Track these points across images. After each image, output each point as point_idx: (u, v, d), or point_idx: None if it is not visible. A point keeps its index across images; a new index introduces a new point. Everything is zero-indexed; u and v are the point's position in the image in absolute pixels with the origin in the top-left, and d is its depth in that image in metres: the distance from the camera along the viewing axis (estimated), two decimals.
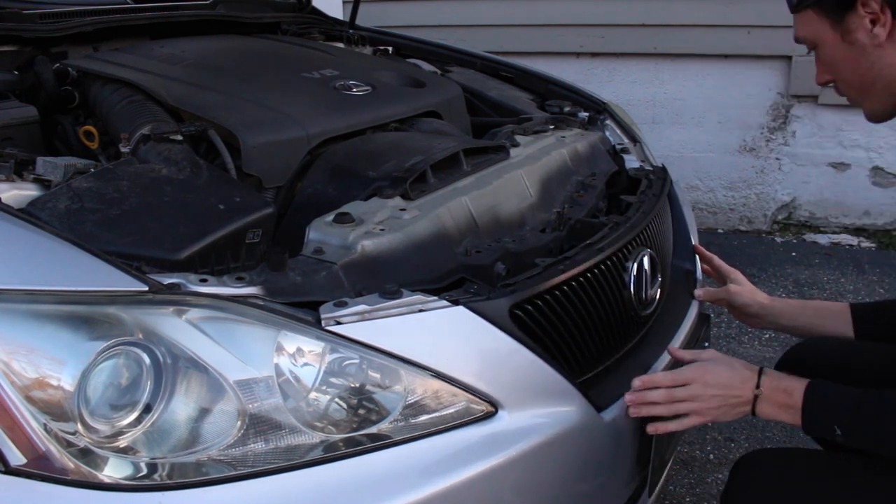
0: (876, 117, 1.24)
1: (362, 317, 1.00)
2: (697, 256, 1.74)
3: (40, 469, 0.88)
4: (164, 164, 1.28)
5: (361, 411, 1.00)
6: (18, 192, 1.18)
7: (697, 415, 1.21)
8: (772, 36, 3.68)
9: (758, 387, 1.20)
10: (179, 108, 1.50)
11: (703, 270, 1.72)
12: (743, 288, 1.61)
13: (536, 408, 1.11)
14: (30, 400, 0.89)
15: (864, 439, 1.14)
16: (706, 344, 1.66)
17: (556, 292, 1.19)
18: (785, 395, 1.18)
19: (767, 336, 2.85)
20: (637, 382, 1.22)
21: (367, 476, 0.98)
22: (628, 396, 1.21)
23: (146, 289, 0.93)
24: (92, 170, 1.25)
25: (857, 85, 1.21)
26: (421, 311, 1.04)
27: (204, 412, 0.93)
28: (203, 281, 0.99)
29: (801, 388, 1.17)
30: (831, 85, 1.25)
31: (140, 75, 1.60)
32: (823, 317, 1.52)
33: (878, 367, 1.35)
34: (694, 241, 1.79)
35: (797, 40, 1.26)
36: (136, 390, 0.91)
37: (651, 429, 1.22)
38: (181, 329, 0.93)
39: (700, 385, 1.21)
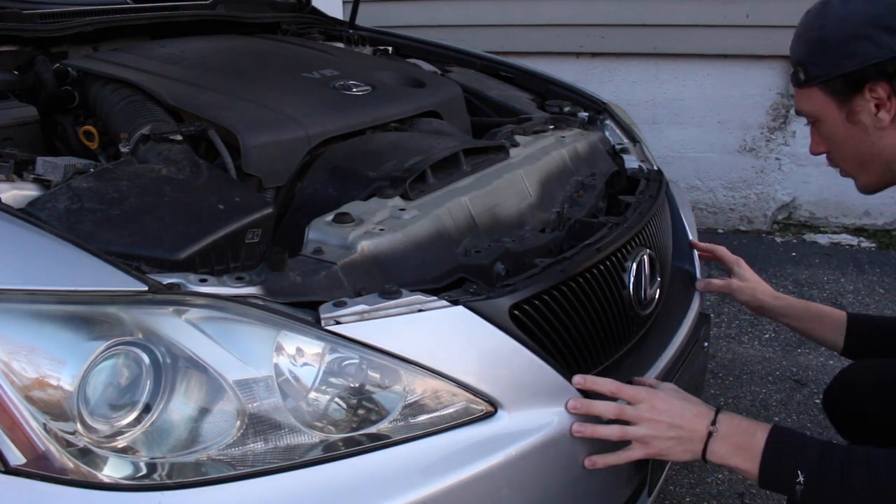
0: (869, 189, 1.26)
1: (362, 317, 1.00)
2: (696, 253, 1.74)
3: (40, 469, 0.88)
4: (163, 164, 1.28)
5: (361, 411, 1.00)
6: (18, 192, 1.18)
7: (642, 444, 1.12)
8: (772, 36, 3.68)
9: (714, 423, 1.12)
10: (179, 108, 1.50)
11: (705, 258, 1.71)
12: (746, 284, 1.58)
13: (536, 408, 1.11)
14: (29, 400, 0.89)
15: (827, 492, 1.04)
16: (706, 344, 1.66)
17: (556, 292, 1.19)
18: (744, 436, 1.10)
19: (767, 336, 2.85)
20: (578, 378, 1.14)
21: (366, 476, 0.98)
22: (571, 403, 1.12)
23: (146, 289, 0.93)
24: (92, 170, 1.25)
25: (856, 161, 1.23)
26: (420, 311, 1.04)
27: (203, 412, 0.93)
28: (203, 281, 0.99)
29: (764, 428, 1.10)
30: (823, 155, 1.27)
31: (140, 75, 1.60)
32: (823, 324, 1.51)
33: None
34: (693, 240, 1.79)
35: (798, 112, 1.28)
36: (135, 390, 0.91)
37: (588, 462, 1.14)
38: (181, 329, 0.93)
39: (648, 407, 1.13)
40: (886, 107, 1.13)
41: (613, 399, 1.15)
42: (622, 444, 1.14)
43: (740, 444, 1.10)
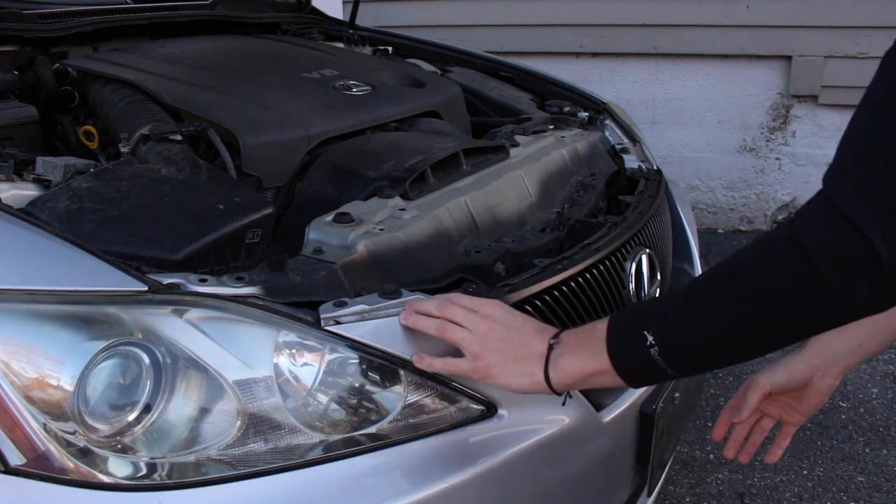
0: None
1: (362, 317, 1.00)
2: (696, 254, 1.66)
3: (40, 469, 0.88)
4: (163, 164, 1.28)
5: (361, 411, 1.00)
6: (18, 192, 1.18)
7: (469, 353, 0.94)
8: (772, 36, 3.69)
9: (556, 337, 0.93)
10: (179, 108, 1.50)
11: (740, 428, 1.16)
12: (767, 374, 1.09)
13: (535, 408, 1.11)
14: (29, 400, 0.89)
15: (679, 334, 0.81)
16: None
17: (555, 292, 1.19)
18: (586, 334, 0.90)
19: None
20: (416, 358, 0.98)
21: (366, 476, 0.98)
22: (403, 317, 0.99)
23: (146, 289, 0.93)
24: (91, 170, 1.25)
25: None
26: None
27: (203, 412, 0.93)
28: (202, 281, 0.99)
29: (606, 319, 0.89)
30: None
31: (140, 75, 1.60)
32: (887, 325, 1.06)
33: None
34: (693, 241, 1.79)
35: None
36: (135, 390, 0.91)
37: (416, 359, 0.97)
38: (181, 329, 0.93)
39: (485, 314, 0.95)
40: None
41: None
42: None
43: (583, 343, 0.90)
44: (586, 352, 0.89)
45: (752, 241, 0.78)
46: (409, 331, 1.02)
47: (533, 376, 0.92)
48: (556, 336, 0.93)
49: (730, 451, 1.05)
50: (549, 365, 0.91)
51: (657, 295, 0.86)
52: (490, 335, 0.94)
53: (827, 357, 1.04)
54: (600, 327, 0.89)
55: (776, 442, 1.08)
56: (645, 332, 0.82)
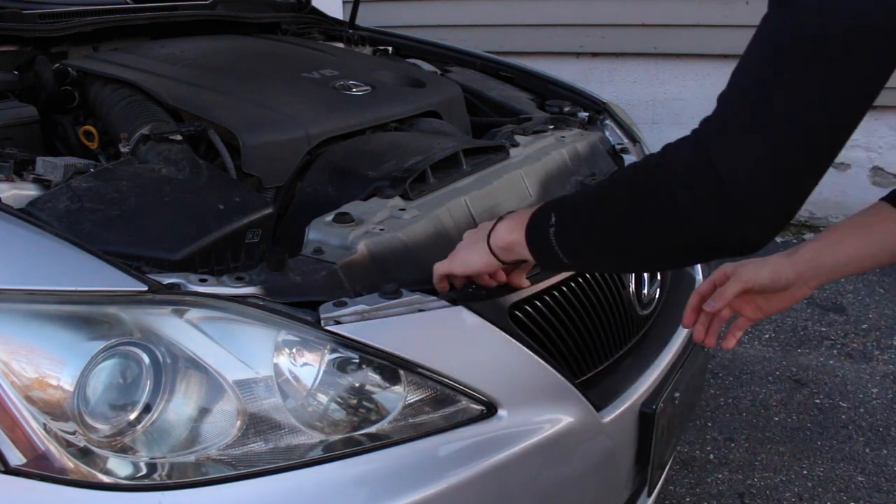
0: None
1: (362, 317, 1.00)
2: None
3: (40, 469, 0.88)
4: (163, 164, 1.28)
5: (361, 411, 1.00)
6: (18, 192, 1.18)
7: (449, 257, 1.08)
8: None
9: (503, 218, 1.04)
10: (179, 108, 1.50)
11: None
12: (748, 268, 1.08)
13: (535, 408, 1.11)
14: (29, 400, 0.89)
15: (571, 227, 0.89)
16: None
17: (555, 292, 1.19)
18: (522, 214, 0.98)
19: (767, 336, 2.85)
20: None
21: (366, 476, 0.98)
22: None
23: (146, 289, 0.93)
24: (92, 170, 1.25)
25: None
26: (420, 310, 1.04)
27: (203, 412, 0.93)
28: (202, 281, 0.99)
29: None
30: None
31: (140, 75, 1.60)
32: (871, 233, 1.02)
33: None
34: None
35: None
36: (135, 390, 0.91)
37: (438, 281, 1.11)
38: (181, 329, 0.93)
39: (469, 234, 1.10)
40: None
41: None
42: None
43: (517, 216, 0.99)
44: (515, 223, 0.99)
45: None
46: (409, 330, 1.02)
47: (482, 249, 1.04)
48: (511, 213, 1.03)
49: (699, 334, 1.09)
50: (490, 234, 1.03)
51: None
52: (465, 237, 1.09)
53: (813, 268, 1.05)
54: (529, 214, 0.97)
55: (732, 332, 1.08)
56: (552, 214, 0.91)
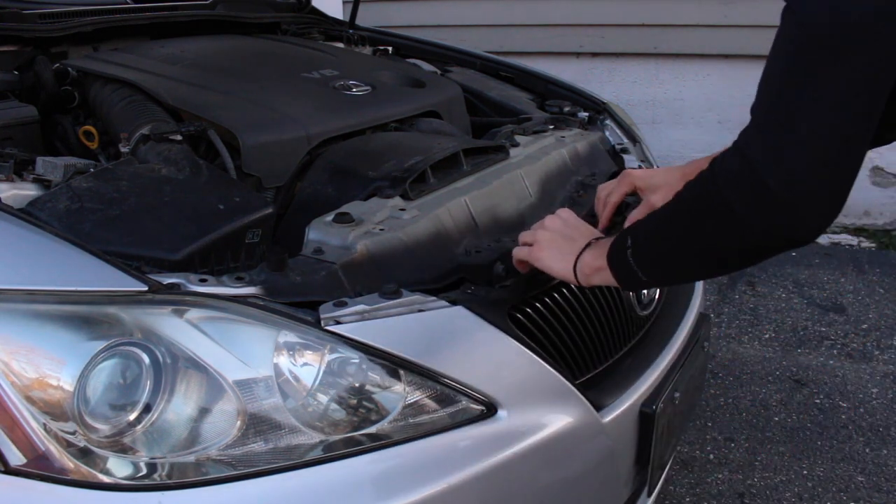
0: None
1: (362, 317, 1.00)
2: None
3: (40, 469, 0.88)
4: (163, 164, 1.28)
5: (361, 411, 1.00)
6: (18, 192, 1.18)
7: (531, 240, 1.13)
8: (772, 36, 3.68)
9: (598, 239, 1.09)
10: (179, 108, 1.50)
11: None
12: (644, 174, 1.29)
13: (536, 408, 1.11)
14: (29, 400, 0.89)
15: (647, 243, 0.96)
16: (706, 344, 1.66)
17: (555, 293, 1.19)
18: (605, 243, 1.05)
19: (767, 336, 2.85)
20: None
21: (366, 476, 0.98)
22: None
23: (146, 289, 0.93)
24: (92, 170, 1.25)
25: None
26: (420, 311, 1.04)
27: (203, 412, 0.93)
28: (202, 281, 0.99)
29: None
30: None
31: (140, 75, 1.60)
32: None
33: None
34: None
35: None
36: (135, 390, 0.91)
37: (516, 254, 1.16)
38: (181, 329, 0.93)
39: (552, 215, 1.15)
40: None
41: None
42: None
43: (602, 245, 1.05)
44: (600, 251, 1.05)
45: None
46: (409, 331, 1.02)
47: (567, 264, 1.08)
48: (598, 239, 1.09)
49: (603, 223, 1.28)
50: (578, 258, 1.08)
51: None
52: (551, 226, 1.13)
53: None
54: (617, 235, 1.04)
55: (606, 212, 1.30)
56: (627, 237, 0.99)
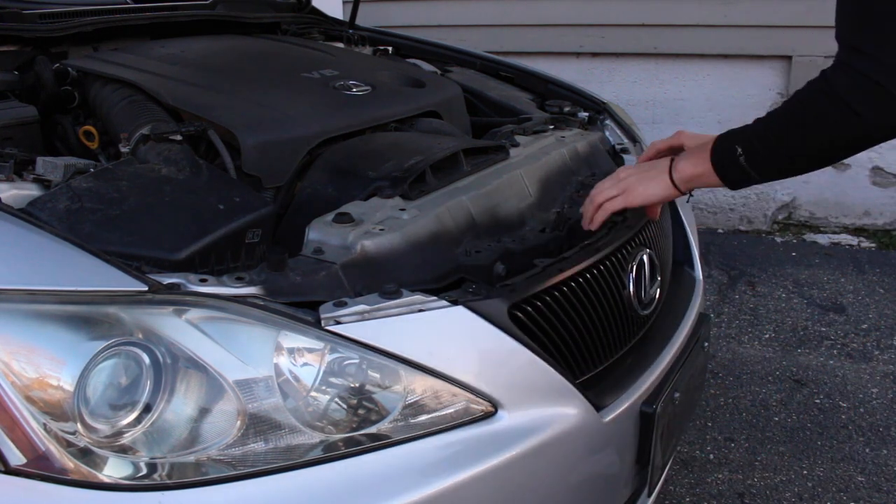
0: None
1: (362, 317, 1.00)
2: (696, 253, 1.73)
3: (40, 469, 0.88)
4: (163, 164, 1.28)
5: (361, 411, 1.00)
6: (18, 192, 1.18)
7: (619, 191, 1.28)
8: (772, 36, 3.68)
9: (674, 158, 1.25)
10: (179, 108, 1.50)
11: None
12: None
13: (536, 408, 1.11)
14: (30, 400, 0.89)
15: (762, 148, 1.14)
16: (706, 344, 1.66)
17: (555, 292, 1.19)
18: (700, 148, 1.21)
19: (767, 336, 2.85)
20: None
21: (366, 476, 0.98)
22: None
23: (146, 289, 0.93)
24: (92, 170, 1.25)
25: None
26: (420, 311, 1.04)
27: (203, 412, 0.93)
28: (203, 281, 0.99)
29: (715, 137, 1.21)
30: None
31: (140, 75, 1.60)
32: None
33: None
34: (693, 241, 1.79)
35: None
36: (135, 390, 0.91)
37: (592, 213, 1.32)
38: (181, 329, 0.93)
39: (623, 172, 1.30)
40: None
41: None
42: None
43: (696, 153, 1.21)
44: (697, 158, 1.21)
45: (790, 101, 1.12)
46: (409, 331, 1.02)
47: (663, 181, 1.25)
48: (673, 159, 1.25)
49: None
50: (672, 170, 1.24)
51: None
52: (626, 176, 1.29)
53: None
54: (709, 142, 1.20)
55: None
56: (736, 146, 1.16)
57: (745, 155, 1.14)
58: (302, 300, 1.03)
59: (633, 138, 1.98)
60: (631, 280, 1.35)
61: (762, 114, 1.15)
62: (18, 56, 1.69)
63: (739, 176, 1.17)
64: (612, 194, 1.29)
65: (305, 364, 0.97)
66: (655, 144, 1.49)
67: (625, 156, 1.87)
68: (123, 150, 1.36)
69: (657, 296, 1.46)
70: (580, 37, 4.01)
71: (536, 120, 1.83)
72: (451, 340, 1.06)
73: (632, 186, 1.27)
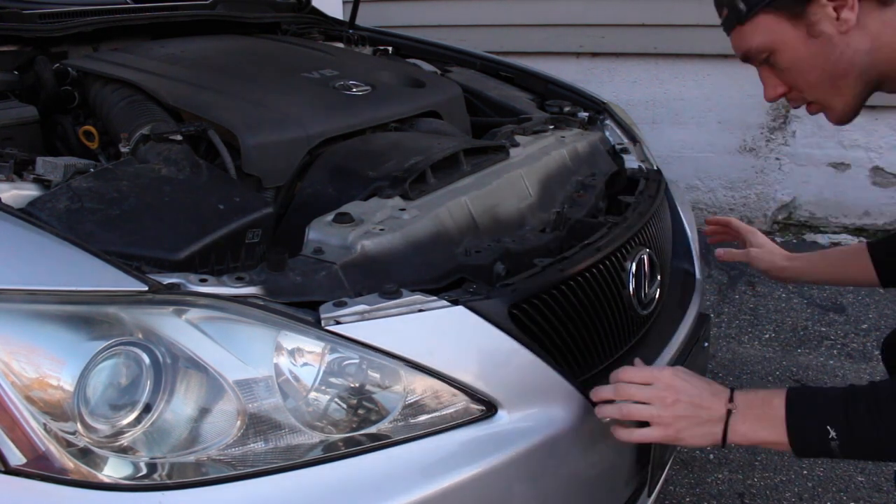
0: (847, 115, 1.14)
1: (362, 317, 1.00)
2: (695, 251, 1.75)
3: (40, 469, 0.88)
4: (163, 164, 1.28)
5: (361, 411, 1.00)
6: (18, 192, 1.18)
7: (659, 425, 1.08)
8: None
9: (731, 400, 1.07)
10: (179, 107, 1.50)
11: (719, 235, 1.74)
12: (762, 251, 1.61)
13: (536, 408, 1.11)
14: (30, 400, 0.89)
15: (864, 439, 1.00)
16: (706, 344, 1.66)
17: (555, 292, 1.19)
18: (763, 408, 1.05)
19: (767, 336, 2.85)
20: (593, 394, 1.13)
21: (366, 476, 0.98)
22: (594, 392, 1.13)
23: (146, 289, 0.93)
24: (92, 170, 1.25)
25: (827, 83, 1.10)
26: (420, 310, 1.04)
27: (203, 412, 0.93)
28: (203, 281, 0.99)
29: (780, 394, 1.05)
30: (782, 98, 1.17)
31: (140, 75, 1.60)
32: (845, 262, 1.51)
33: None
34: (693, 241, 1.79)
35: (748, 54, 1.15)
36: (135, 390, 0.91)
37: (614, 431, 1.12)
38: (181, 329, 0.93)
39: (664, 386, 1.08)
40: (848, 3, 1.03)
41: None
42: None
43: (760, 416, 1.05)
44: (764, 425, 1.05)
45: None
46: (409, 331, 1.02)
47: (714, 436, 1.07)
48: (731, 399, 1.07)
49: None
50: (727, 428, 1.06)
51: (831, 391, 1.06)
52: (675, 406, 1.07)
53: (796, 272, 1.58)
54: (777, 404, 1.04)
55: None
56: (829, 428, 1.00)
57: (839, 440, 0.99)
58: (302, 300, 1.03)
59: (633, 138, 1.99)
60: (631, 280, 1.35)
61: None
62: (18, 56, 1.69)
63: (820, 454, 1.03)
64: (654, 414, 1.08)
65: (305, 364, 0.97)
66: (732, 223, 1.61)
67: (625, 156, 1.87)
68: (123, 150, 1.36)
69: (657, 296, 1.46)
70: (580, 37, 4.01)
71: (536, 120, 1.83)
72: (450, 340, 1.06)
73: (677, 427, 1.07)
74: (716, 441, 1.07)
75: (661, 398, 1.08)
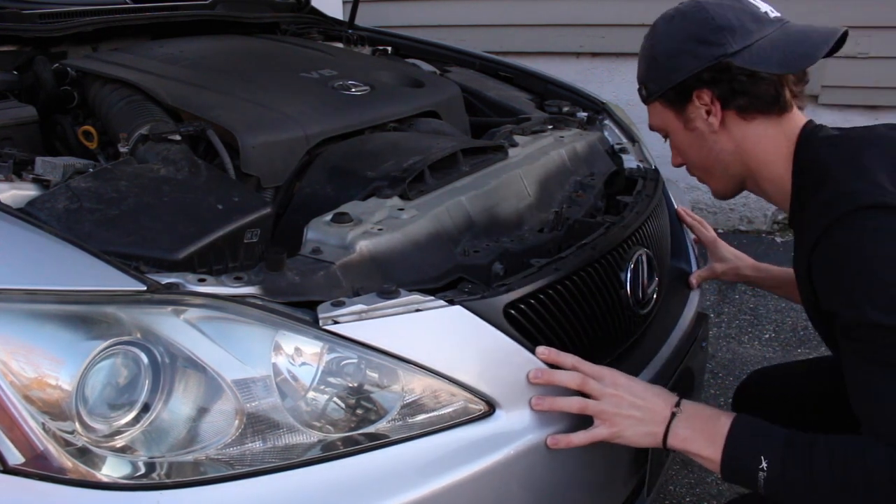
0: (720, 195, 1.30)
1: (360, 316, 1.01)
2: (693, 251, 1.75)
3: (39, 468, 0.89)
4: (162, 164, 1.28)
5: (359, 411, 1.00)
6: (17, 192, 1.18)
7: (605, 423, 1.10)
8: None
9: (677, 405, 1.10)
10: (178, 108, 1.51)
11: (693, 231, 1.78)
12: (727, 265, 1.67)
13: None
14: (28, 399, 0.89)
15: (790, 482, 1.01)
16: (704, 343, 1.66)
17: (552, 292, 1.19)
18: (708, 422, 1.08)
19: (767, 336, 2.85)
20: (542, 349, 1.12)
21: (364, 475, 0.98)
22: (533, 373, 1.10)
23: (144, 288, 0.94)
24: (91, 170, 1.26)
25: (701, 167, 1.27)
26: (418, 310, 1.05)
27: (202, 411, 0.93)
28: (201, 281, 0.99)
29: (729, 416, 1.07)
30: (684, 167, 1.32)
31: (139, 75, 1.60)
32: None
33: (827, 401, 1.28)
34: (691, 241, 1.79)
35: (651, 128, 1.32)
36: (134, 390, 0.91)
37: (551, 441, 1.10)
38: (179, 329, 0.93)
39: (610, 382, 1.11)
40: (714, 111, 1.18)
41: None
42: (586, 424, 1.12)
43: (703, 429, 1.08)
44: (704, 437, 1.07)
45: (841, 440, 1.00)
46: (407, 330, 1.02)
47: (655, 436, 1.10)
48: (677, 404, 1.11)
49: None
50: (669, 429, 1.09)
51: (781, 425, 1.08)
52: (620, 403, 1.11)
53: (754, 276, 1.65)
54: (724, 422, 1.07)
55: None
56: (762, 458, 1.02)
57: (767, 474, 1.01)
58: (300, 300, 1.03)
59: (632, 138, 1.99)
60: (628, 279, 1.35)
61: None
62: (18, 56, 1.69)
63: (744, 482, 1.05)
64: (597, 409, 1.11)
65: (304, 363, 0.98)
66: (699, 230, 1.70)
67: (624, 156, 1.87)
68: (122, 150, 1.37)
69: (655, 295, 1.46)
70: (580, 37, 4.01)
71: (535, 120, 1.83)
72: (448, 340, 1.07)
73: (621, 426, 1.10)
74: (657, 442, 1.10)
75: (607, 395, 1.11)
